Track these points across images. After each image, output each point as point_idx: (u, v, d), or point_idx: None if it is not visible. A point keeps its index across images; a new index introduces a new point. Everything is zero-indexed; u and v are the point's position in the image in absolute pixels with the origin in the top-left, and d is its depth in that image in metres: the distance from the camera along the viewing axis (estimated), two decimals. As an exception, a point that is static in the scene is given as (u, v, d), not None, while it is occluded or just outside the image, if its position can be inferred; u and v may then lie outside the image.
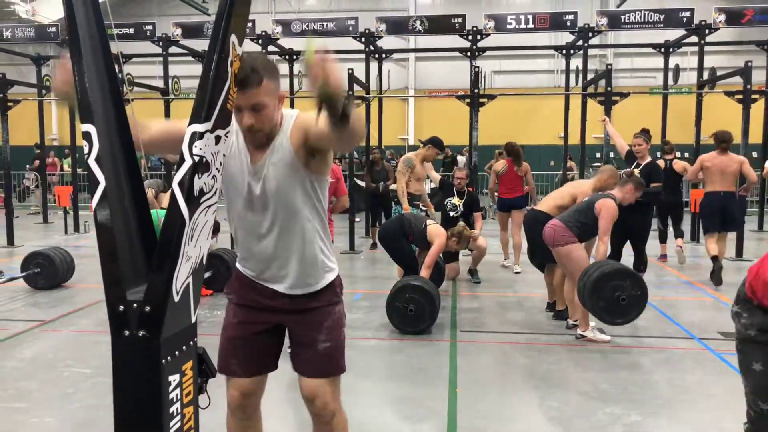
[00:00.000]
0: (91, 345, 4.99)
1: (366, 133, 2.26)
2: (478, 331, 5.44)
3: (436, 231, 5.99)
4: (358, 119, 1.80)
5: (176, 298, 1.59)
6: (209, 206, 1.66)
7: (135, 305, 1.56)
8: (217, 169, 1.66)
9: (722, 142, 7.32)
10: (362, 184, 11.05)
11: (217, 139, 1.64)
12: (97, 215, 1.60)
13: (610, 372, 4.41)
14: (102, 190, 1.60)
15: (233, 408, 2.37)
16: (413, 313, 5.23)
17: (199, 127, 1.58)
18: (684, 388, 4.15)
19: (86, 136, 1.61)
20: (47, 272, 6.86)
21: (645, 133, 7.05)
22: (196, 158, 1.58)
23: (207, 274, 6.26)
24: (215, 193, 1.68)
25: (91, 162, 1.61)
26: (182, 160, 1.59)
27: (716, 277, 7.06)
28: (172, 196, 1.58)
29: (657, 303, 6.18)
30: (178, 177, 1.58)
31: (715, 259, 7.15)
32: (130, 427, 1.61)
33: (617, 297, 4.61)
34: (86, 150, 1.61)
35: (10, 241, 9.97)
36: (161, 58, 11.48)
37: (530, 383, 4.22)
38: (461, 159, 17.66)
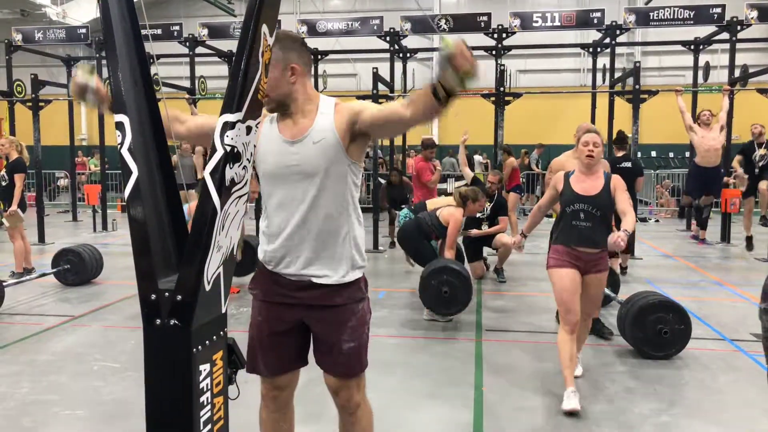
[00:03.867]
0: (119, 340, 5.05)
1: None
2: (503, 330, 5.40)
3: (448, 212, 6.07)
4: None
5: (207, 288, 1.59)
6: (240, 196, 1.66)
7: (167, 294, 1.57)
8: (247, 159, 1.66)
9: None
10: (384, 182, 11.04)
11: (248, 129, 1.63)
12: (130, 205, 1.61)
13: (639, 373, 4.33)
14: (135, 179, 1.61)
15: (266, 400, 2.39)
16: (447, 295, 5.24)
17: (230, 117, 1.58)
18: (716, 389, 4.06)
19: (119, 126, 1.62)
20: (77, 269, 6.98)
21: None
22: (228, 148, 1.58)
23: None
24: (246, 183, 1.68)
25: (124, 152, 1.62)
26: (214, 149, 1.59)
27: None
28: (204, 186, 1.58)
29: (687, 304, 6.04)
30: (209, 167, 1.58)
31: None
32: (162, 416, 1.62)
33: (659, 330, 4.52)
34: (119, 140, 1.62)
35: (41, 238, 10.14)
36: (188, 59, 11.62)
37: (556, 383, 4.16)
38: (477, 159, 17.52)
